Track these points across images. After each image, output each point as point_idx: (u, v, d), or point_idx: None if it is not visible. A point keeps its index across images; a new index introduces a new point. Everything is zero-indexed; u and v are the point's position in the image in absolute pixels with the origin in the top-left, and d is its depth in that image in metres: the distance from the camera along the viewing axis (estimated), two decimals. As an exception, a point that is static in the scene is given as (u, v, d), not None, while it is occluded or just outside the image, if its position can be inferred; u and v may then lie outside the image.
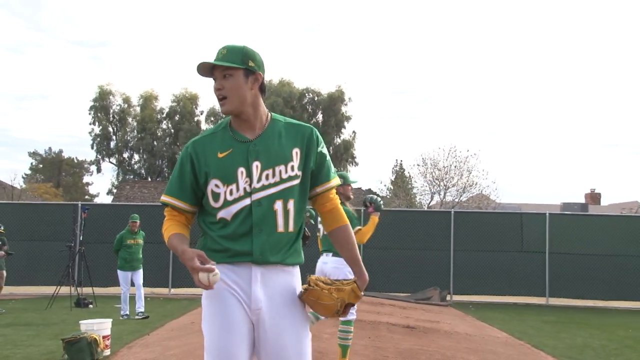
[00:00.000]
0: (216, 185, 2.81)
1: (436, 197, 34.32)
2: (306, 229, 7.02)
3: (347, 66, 76.34)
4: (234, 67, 2.80)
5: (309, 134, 2.89)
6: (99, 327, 8.31)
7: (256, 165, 2.79)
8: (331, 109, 47.76)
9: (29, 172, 60.73)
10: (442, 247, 18.28)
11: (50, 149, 62.65)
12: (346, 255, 2.95)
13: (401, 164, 47.60)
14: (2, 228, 14.05)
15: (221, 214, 2.82)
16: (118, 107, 47.96)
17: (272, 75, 48.81)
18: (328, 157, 2.96)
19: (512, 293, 18.24)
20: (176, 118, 47.59)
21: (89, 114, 47.46)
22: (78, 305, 14.35)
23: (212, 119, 48.13)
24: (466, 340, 9.83)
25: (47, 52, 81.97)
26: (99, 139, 47.53)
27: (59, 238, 16.80)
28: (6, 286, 14.87)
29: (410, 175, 38.49)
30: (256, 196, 2.77)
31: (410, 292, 17.60)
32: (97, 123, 47.40)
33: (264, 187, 2.77)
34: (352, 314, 6.93)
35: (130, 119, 47.91)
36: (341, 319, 6.94)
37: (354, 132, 49.27)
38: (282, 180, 2.79)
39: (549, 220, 18.39)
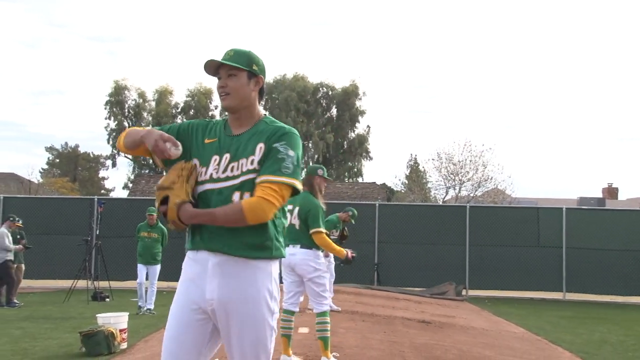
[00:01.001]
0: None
1: (451, 192, 34.19)
2: (346, 228, 6.87)
3: (361, 61, 76.34)
4: (240, 67, 2.98)
5: (275, 130, 2.95)
6: (115, 321, 8.35)
7: (226, 157, 2.94)
8: (345, 103, 47.75)
9: (46, 166, 61.16)
10: (457, 241, 18.21)
11: (66, 143, 63.14)
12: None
13: (416, 159, 47.65)
14: (20, 222, 14.12)
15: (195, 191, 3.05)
16: (133, 102, 48.43)
17: (286, 69, 48.88)
18: (283, 156, 2.89)
19: (529, 288, 18.08)
20: (191, 113, 47.76)
21: (105, 108, 48.12)
22: (95, 299, 14.46)
23: (226, 113, 47.93)
24: (482, 335, 9.77)
25: (63, 47, 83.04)
26: (114, 134, 47.80)
27: (75, 232, 16.89)
28: (24, 279, 14.95)
29: (425, 170, 38.47)
30: (218, 185, 2.92)
31: (425, 287, 17.47)
32: (112, 118, 47.91)
33: (227, 178, 2.90)
34: (325, 305, 6.75)
35: (145, 114, 48.13)
36: (315, 311, 6.82)
37: (368, 126, 49.53)
38: (242, 173, 2.89)
39: (565, 215, 18.28)
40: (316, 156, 48.96)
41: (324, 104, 48.97)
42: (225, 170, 2.92)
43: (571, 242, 18.02)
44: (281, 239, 3.00)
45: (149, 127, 3.07)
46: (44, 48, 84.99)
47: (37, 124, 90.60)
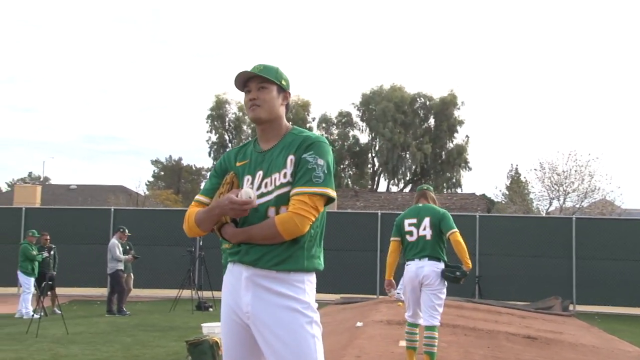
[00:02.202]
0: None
1: (555, 203, 33.04)
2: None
3: (459, 70, 75.13)
4: (271, 80, 3.04)
5: (303, 140, 2.97)
6: (220, 330, 8.38)
7: (259, 174, 2.98)
8: (443, 113, 47.25)
9: (151, 179, 63.70)
10: (563, 254, 17.48)
11: (170, 156, 64.88)
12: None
13: (517, 169, 46.88)
14: (128, 232, 14.59)
15: None
16: (234, 116, 50.01)
17: (383, 80, 48.62)
18: (313, 166, 2.90)
19: (643, 304, 17.59)
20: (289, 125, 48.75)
21: (207, 122, 50.07)
22: (199, 309, 14.85)
23: (323, 125, 49.21)
24: (593, 353, 9.36)
25: (166, 63, 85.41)
26: (215, 147, 49.63)
27: (180, 243, 16.86)
28: (133, 289, 15.49)
29: (526, 180, 37.66)
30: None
31: (529, 301, 16.88)
32: (214, 131, 49.82)
33: (262, 195, 2.93)
34: (437, 319, 6.73)
35: (245, 127, 49.35)
36: (425, 324, 6.79)
37: (467, 136, 48.78)
38: (276, 187, 2.91)
39: (682, 226, 17.51)
40: (414, 167, 48.45)
41: (421, 115, 48.51)
42: (259, 187, 2.96)
43: (689, 255, 17.22)
44: (316, 250, 2.98)
45: (207, 203, 3.04)
46: (148, 64, 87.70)
47: (143, 137, 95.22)
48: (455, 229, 6.68)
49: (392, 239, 7.00)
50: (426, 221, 6.72)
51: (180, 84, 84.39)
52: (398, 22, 77.72)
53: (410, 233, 6.81)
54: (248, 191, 2.86)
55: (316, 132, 48.89)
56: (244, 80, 3.07)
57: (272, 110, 3.03)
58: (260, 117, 3.03)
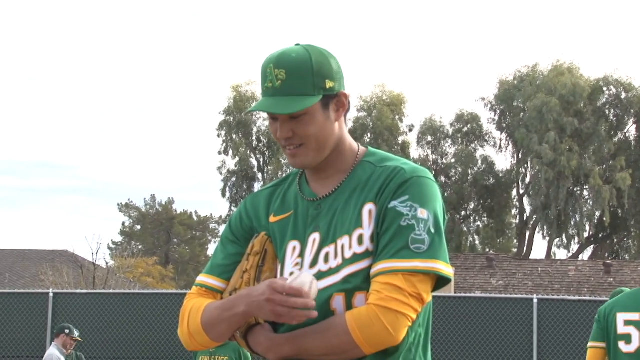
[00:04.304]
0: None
1: None
2: None
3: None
4: (310, 96, 2.39)
5: (389, 175, 2.38)
6: None
7: (313, 239, 2.48)
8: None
9: (119, 238, 58.15)
10: None
11: (153, 197, 60.12)
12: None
13: None
14: (78, 336, 13.85)
15: None
16: (266, 122, 45.04)
17: (537, 55, 44.68)
18: (409, 222, 2.28)
19: None
20: (367, 138, 44.76)
21: (218, 135, 47.09)
22: None
23: (428, 138, 43.56)
24: None
25: (140, 36, 78.47)
26: (234, 179, 48.25)
27: (173, 357, 18.20)
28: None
29: None
30: None
31: None
32: (230, 151, 47.55)
33: (322, 275, 2.42)
34: None
35: None
36: None
37: None
38: (346, 262, 2.37)
39: None
40: (597, 214, 38.49)
41: (611, 117, 39.62)
42: (315, 263, 2.40)
43: None
44: None
45: (219, 289, 2.53)
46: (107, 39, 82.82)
47: (101, 165, 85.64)
48: None
49: (591, 344, 6.14)
50: None
51: (166, 70, 71.24)
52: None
53: (627, 339, 5.92)
54: (303, 275, 2.31)
55: (416, 151, 42.34)
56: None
57: (324, 144, 2.46)
58: (307, 164, 2.47)
